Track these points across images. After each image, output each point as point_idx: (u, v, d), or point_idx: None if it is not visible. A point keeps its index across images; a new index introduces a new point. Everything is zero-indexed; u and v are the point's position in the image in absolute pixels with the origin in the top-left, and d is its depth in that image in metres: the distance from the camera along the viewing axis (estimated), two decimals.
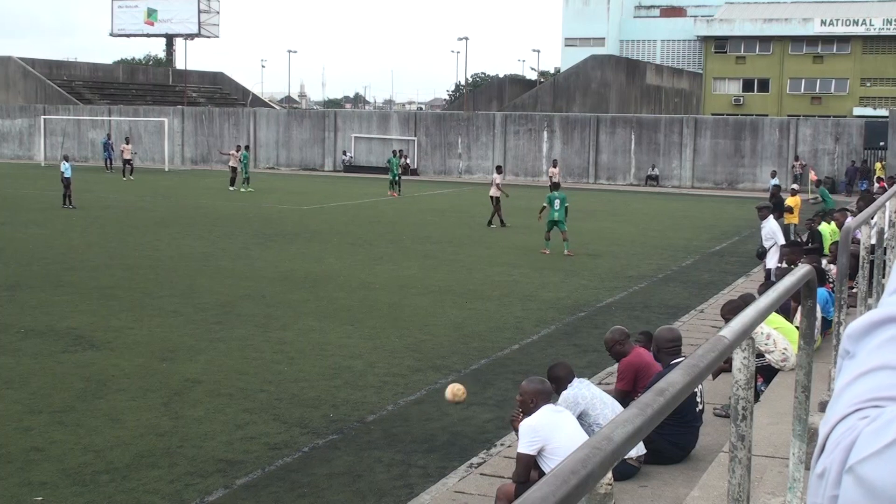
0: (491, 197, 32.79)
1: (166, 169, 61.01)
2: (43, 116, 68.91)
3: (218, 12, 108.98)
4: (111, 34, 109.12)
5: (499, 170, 33.91)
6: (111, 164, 59.28)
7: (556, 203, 26.30)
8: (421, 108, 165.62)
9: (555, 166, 43.59)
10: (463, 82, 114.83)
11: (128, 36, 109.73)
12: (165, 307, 17.64)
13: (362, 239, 28.65)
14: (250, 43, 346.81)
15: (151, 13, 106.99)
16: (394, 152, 51.01)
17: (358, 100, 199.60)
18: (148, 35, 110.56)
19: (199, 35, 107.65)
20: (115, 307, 17.58)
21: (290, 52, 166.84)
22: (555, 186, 27.84)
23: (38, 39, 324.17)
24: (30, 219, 32.30)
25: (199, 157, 66.18)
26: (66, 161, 36.48)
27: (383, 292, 19.74)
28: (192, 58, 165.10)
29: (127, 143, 54.83)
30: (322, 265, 23.29)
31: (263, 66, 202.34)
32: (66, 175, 35.31)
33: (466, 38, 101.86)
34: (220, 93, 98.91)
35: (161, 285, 20.03)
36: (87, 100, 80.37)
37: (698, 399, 9.83)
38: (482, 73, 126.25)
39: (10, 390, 12.18)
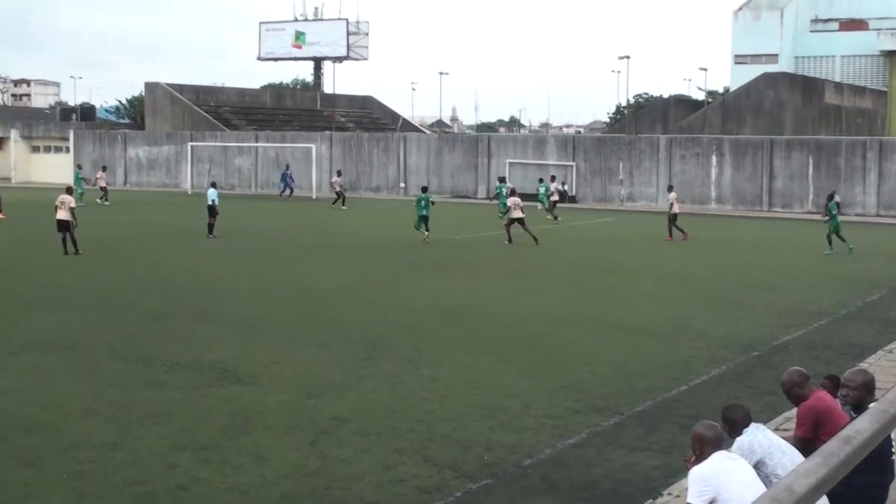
0: (673, 215, 36.55)
1: (314, 196, 62.40)
2: (190, 143, 71.36)
3: (367, 34, 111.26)
4: (259, 58, 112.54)
5: (670, 189, 37.43)
6: (291, 192, 61.39)
7: None
8: (579, 132, 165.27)
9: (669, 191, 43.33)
10: (624, 103, 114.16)
11: (275, 59, 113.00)
12: (312, 340, 18.00)
13: (517, 269, 28.68)
14: (400, 65, 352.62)
15: (299, 36, 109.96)
16: (541, 179, 51.21)
17: (513, 123, 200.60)
18: (296, 58, 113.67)
19: (347, 58, 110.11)
20: (261, 340, 18.04)
21: (441, 73, 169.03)
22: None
23: (187, 64, 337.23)
24: (176, 248, 33.49)
25: (348, 184, 67.42)
26: (214, 188, 37.68)
27: (540, 326, 19.69)
28: (341, 81, 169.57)
29: (339, 176, 57.50)
30: (475, 297, 23.38)
31: (414, 89, 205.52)
32: (212, 202, 36.47)
33: (628, 57, 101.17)
34: (368, 117, 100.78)
35: (308, 317, 20.46)
36: (234, 126, 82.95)
37: (894, 448, 9.45)
38: (645, 93, 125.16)
39: (156, 425, 12.60)
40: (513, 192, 37.13)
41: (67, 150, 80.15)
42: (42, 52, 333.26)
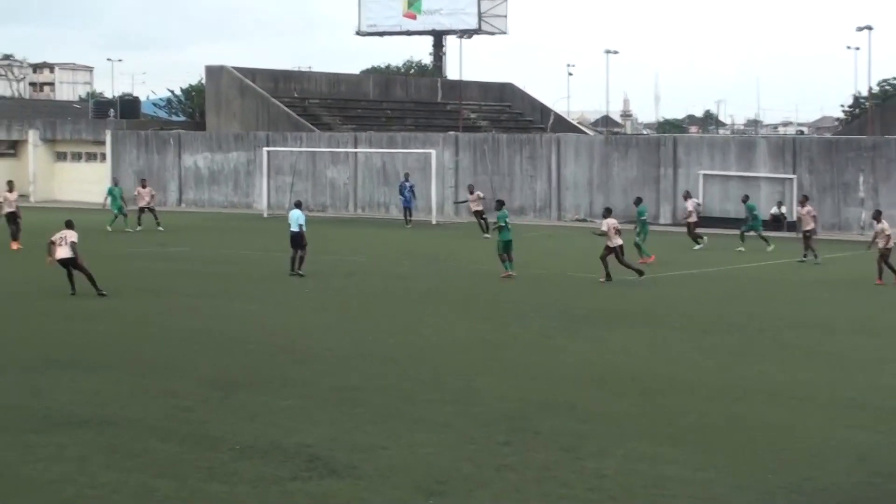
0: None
1: (434, 221, 62.66)
2: (266, 148, 72.07)
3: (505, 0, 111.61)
4: (358, 32, 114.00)
5: (877, 216, 37.86)
6: (411, 214, 61.40)
7: None
8: (801, 132, 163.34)
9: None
10: (864, 93, 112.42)
11: (381, 34, 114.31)
12: (432, 418, 18.09)
13: (711, 323, 28.43)
14: (551, 41, 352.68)
15: (414, 2, 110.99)
16: (745, 197, 51.00)
17: (708, 120, 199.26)
18: (409, 32, 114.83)
19: (478, 31, 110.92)
20: (363, 416, 18.19)
21: (608, 52, 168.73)
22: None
23: (261, 43, 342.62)
24: (248, 290, 34.03)
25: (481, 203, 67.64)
26: (298, 209, 38.09)
27: (745, 402, 19.48)
28: (470, 63, 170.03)
29: (472, 193, 57.44)
30: (654, 360, 23.23)
31: (570, 74, 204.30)
32: (295, 229, 36.87)
33: (869, 28, 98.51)
34: (507, 112, 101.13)
35: (426, 386, 20.56)
36: (325, 124, 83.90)
37: None
38: (893, 78, 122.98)
39: None
40: (608, 213, 37.25)
41: (103, 157, 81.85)
42: (70, 28, 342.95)
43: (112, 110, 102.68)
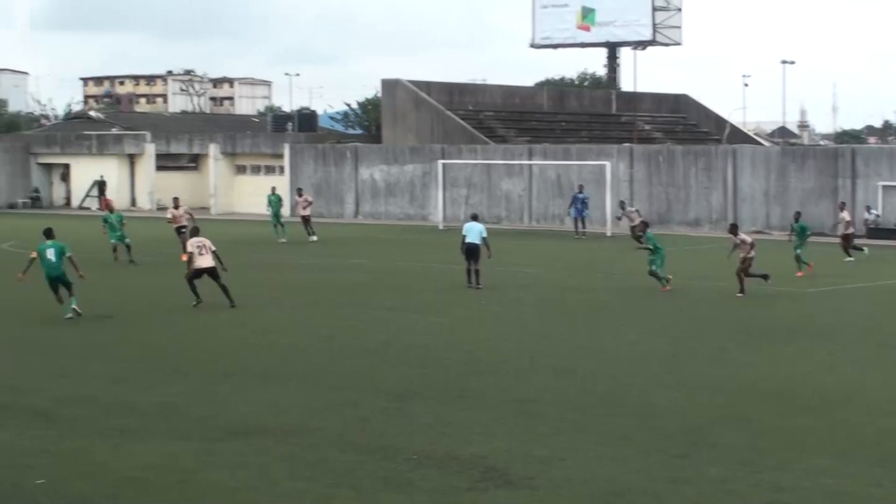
0: None
1: (609, 233, 62.47)
2: (441, 161, 72.48)
3: (679, 10, 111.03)
4: (532, 45, 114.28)
5: None
6: (583, 224, 61.39)
7: None
8: None
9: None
10: None
11: (554, 47, 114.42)
12: (608, 431, 18.07)
13: (893, 338, 27.92)
14: (725, 51, 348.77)
15: (587, 14, 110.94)
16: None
17: (887, 130, 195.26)
18: (582, 45, 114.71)
19: (652, 42, 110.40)
20: (540, 429, 18.23)
21: (784, 63, 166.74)
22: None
23: (436, 56, 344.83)
24: (424, 303, 34.30)
25: (656, 215, 67.22)
26: (475, 220, 38.19)
27: None
28: (644, 74, 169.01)
29: (625, 207, 57.38)
30: (837, 376, 22.94)
31: (746, 85, 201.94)
32: (476, 241, 36.89)
33: None
34: (682, 123, 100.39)
35: (602, 399, 20.55)
36: (500, 137, 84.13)
37: None
38: None
39: None
40: (735, 229, 36.84)
41: (281, 170, 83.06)
42: (248, 44, 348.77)
43: (290, 124, 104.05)
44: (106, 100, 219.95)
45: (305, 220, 57.48)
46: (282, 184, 79.48)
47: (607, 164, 65.93)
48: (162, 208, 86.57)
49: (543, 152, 73.42)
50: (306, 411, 19.52)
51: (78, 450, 16.78)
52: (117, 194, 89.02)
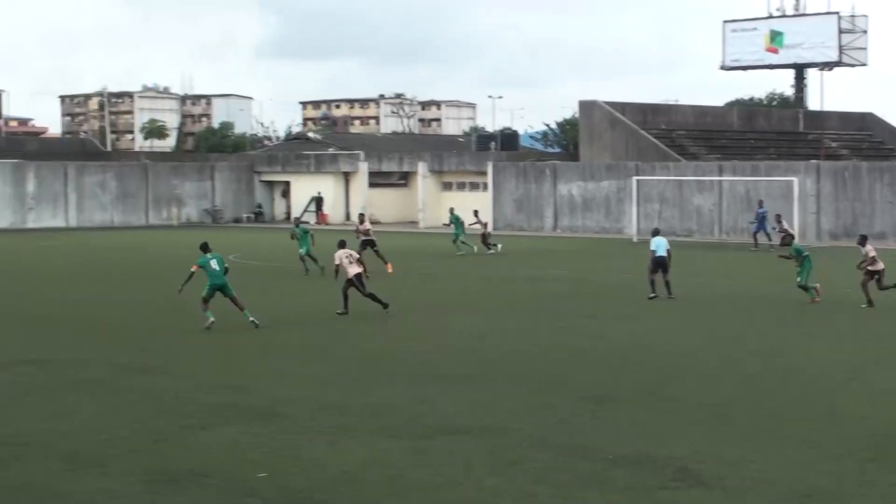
0: None
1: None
2: (635, 177, 72.27)
3: (865, 31, 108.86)
4: (722, 67, 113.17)
5: None
6: (767, 238, 60.42)
7: None
8: None
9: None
10: None
11: (744, 68, 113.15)
12: (797, 435, 17.70)
13: None
14: None
15: (776, 37, 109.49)
16: None
17: None
18: (771, 66, 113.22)
19: (839, 63, 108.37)
20: (730, 432, 17.95)
21: None
22: None
23: (629, 78, 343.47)
24: (618, 311, 34.09)
25: (841, 229, 65.95)
26: (658, 236, 37.81)
27: None
28: (830, 94, 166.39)
29: (780, 222, 56.31)
30: None
31: None
32: (663, 254, 36.65)
33: None
34: (868, 141, 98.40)
35: (790, 404, 20.17)
36: (691, 154, 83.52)
37: None
38: None
39: None
40: (864, 240, 35.67)
41: (485, 186, 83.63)
42: (455, 69, 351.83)
43: (493, 143, 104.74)
44: (323, 122, 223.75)
45: (485, 236, 57.69)
46: (485, 200, 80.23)
47: (794, 179, 64.97)
48: (374, 223, 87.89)
49: (733, 169, 72.83)
50: (507, 412, 19.51)
51: (295, 446, 17.00)
52: (333, 209, 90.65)
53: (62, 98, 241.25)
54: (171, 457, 16.34)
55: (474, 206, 79.08)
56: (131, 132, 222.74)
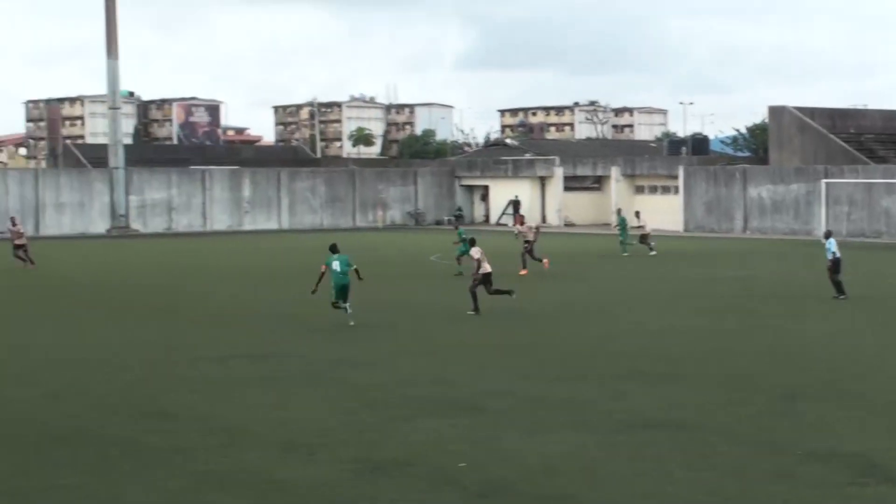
0: None
1: None
2: (824, 180, 71.05)
3: None
4: None
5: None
6: None
7: None
8: None
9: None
10: None
11: None
12: None
13: None
14: None
15: None
16: None
17: None
18: None
19: None
20: None
21: None
22: None
23: (818, 84, 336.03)
24: (808, 310, 33.51)
25: None
26: (830, 237, 36.99)
27: None
28: None
29: None
30: None
31: None
32: (833, 254, 35.76)
33: None
34: None
35: None
36: (880, 158, 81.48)
37: None
38: None
39: None
40: None
41: (676, 190, 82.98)
42: (647, 76, 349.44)
43: (684, 148, 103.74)
44: (520, 129, 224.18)
45: (644, 237, 57.25)
46: (676, 203, 79.65)
47: None
48: (569, 224, 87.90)
49: None
50: (698, 408, 19.37)
51: (495, 438, 17.13)
52: (529, 212, 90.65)
53: (276, 108, 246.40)
54: (377, 447, 16.61)
55: (667, 208, 78.82)
56: (339, 140, 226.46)
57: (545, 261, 44.96)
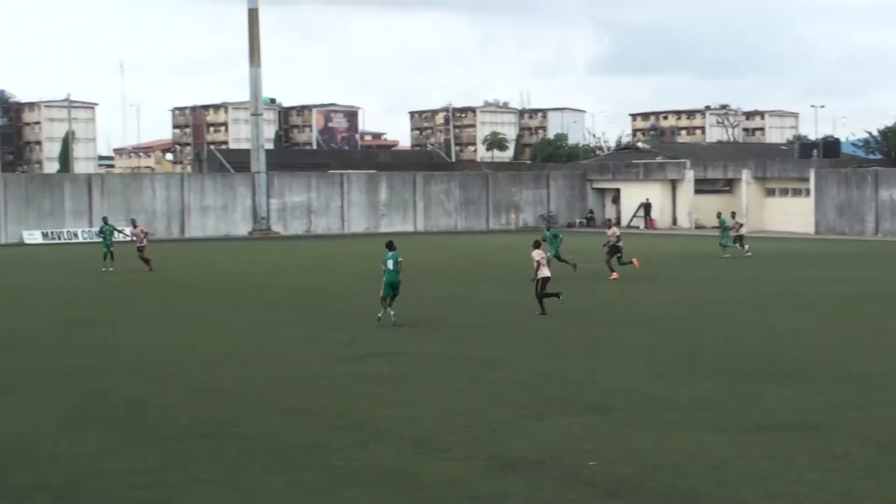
0: None
1: None
2: None
3: None
4: None
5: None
6: None
7: None
8: None
9: None
10: None
11: None
12: None
13: None
14: None
15: None
16: None
17: None
18: None
19: None
20: None
21: None
22: None
23: None
24: None
25: None
26: None
27: None
28: None
29: None
30: None
31: None
32: None
33: None
34: None
35: None
36: None
37: None
38: None
39: None
40: None
41: (807, 192, 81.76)
42: (778, 79, 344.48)
43: (815, 151, 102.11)
44: (651, 132, 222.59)
45: (739, 238, 57.09)
46: (808, 206, 78.56)
47: None
48: (699, 227, 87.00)
49: None
50: (829, 409, 19.02)
51: (624, 437, 17.01)
52: (660, 215, 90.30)
53: (411, 114, 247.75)
54: (508, 444, 16.61)
55: (798, 211, 77.74)
56: (473, 144, 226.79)
57: (614, 274, 43.53)
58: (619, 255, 44.68)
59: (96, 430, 17.93)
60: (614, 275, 43.36)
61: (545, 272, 32.26)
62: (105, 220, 54.95)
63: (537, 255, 32.38)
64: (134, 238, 51.74)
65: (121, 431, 17.80)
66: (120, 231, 54.69)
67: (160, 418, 18.87)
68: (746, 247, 56.21)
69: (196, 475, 15.05)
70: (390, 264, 30.40)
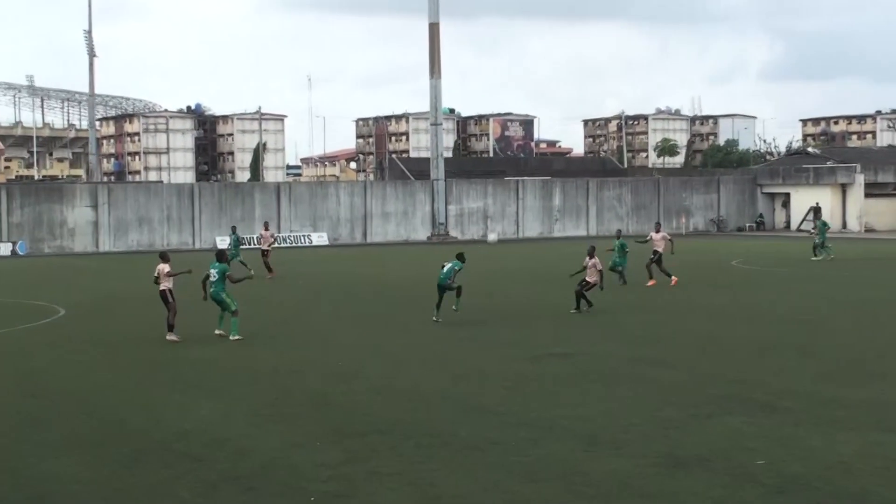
0: None
1: None
2: None
3: None
4: None
5: None
6: None
7: None
8: None
9: None
10: None
11: None
12: None
13: None
14: None
15: None
16: None
17: None
18: None
19: None
20: None
21: None
22: None
23: None
24: None
25: None
26: None
27: None
28: None
29: None
30: None
31: None
32: None
33: None
34: None
35: None
36: None
37: None
38: None
39: None
40: None
41: None
42: None
43: None
44: (821, 137, 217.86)
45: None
46: None
47: None
48: (869, 230, 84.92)
49: None
50: None
51: (793, 436, 16.71)
52: (830, 219, 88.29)
53: (585, 122, 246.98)
54: (679, 442, 16.44)
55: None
56: (645, 150, 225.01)
57: (673, 279, 41.74)
58: (657, 261, 42.71)
59: (283, 426, 18.29)
60: (651, 281, 41.98)
61: (592, 278, 33.08)
62: (234, 228, 53.87)
63: (588, 261, 33.22)
64: (262, 241, 50.42)
65: (306, 427, 18.12)
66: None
67: (342, 414, 19.14)
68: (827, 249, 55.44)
69: (377, 469, 15.23)
70: (446, 269, 31.71)
